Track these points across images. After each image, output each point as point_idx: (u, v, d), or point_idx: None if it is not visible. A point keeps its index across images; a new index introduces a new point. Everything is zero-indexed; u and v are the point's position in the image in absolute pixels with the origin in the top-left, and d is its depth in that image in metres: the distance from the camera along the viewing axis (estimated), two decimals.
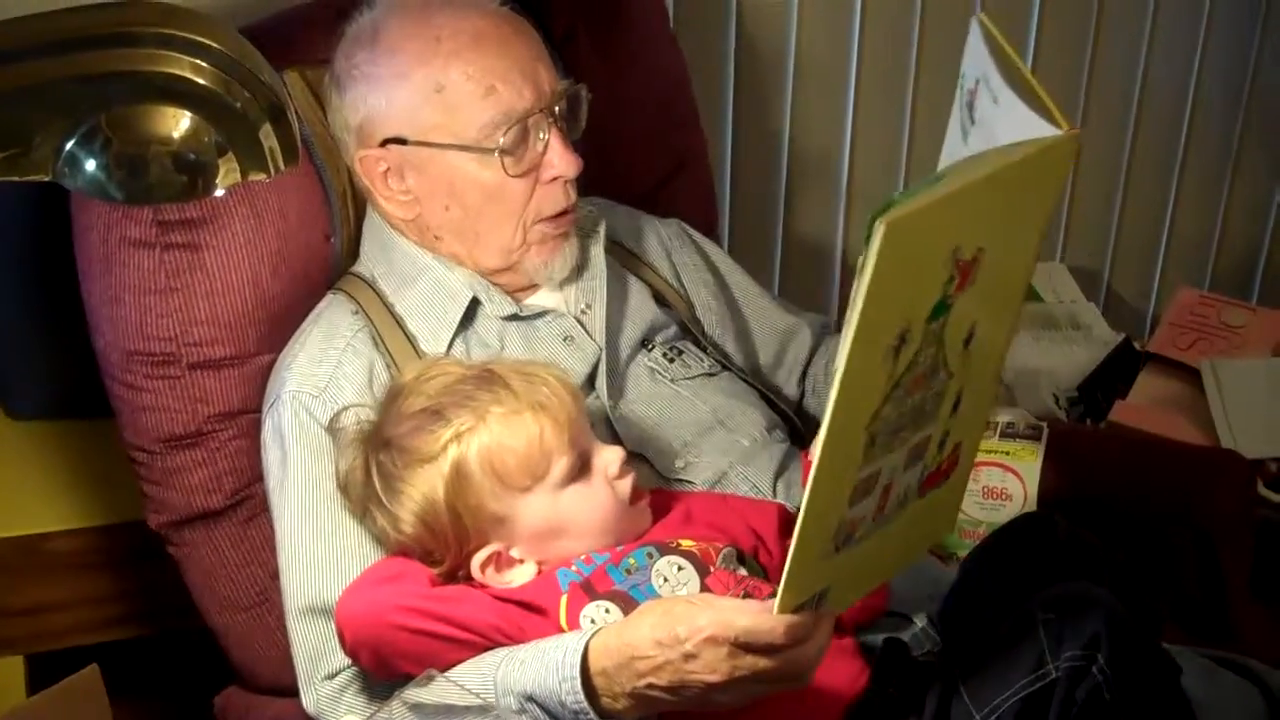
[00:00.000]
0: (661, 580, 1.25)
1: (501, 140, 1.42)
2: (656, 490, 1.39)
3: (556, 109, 1.45)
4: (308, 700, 1.35)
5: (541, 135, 1.44)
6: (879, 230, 0.89)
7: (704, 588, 1.25)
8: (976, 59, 1.11)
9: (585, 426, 1.32)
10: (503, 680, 1.20)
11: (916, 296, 0.97)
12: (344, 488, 1.34)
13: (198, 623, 1.57)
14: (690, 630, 1.12)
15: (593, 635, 1.18)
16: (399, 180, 1.47)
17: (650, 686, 1.15)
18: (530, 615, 1.24)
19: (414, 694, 1.25)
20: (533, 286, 1.53)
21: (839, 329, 1.76)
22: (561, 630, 1.23)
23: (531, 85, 1.43)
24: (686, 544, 1.29)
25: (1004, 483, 1.67)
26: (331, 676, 1.33)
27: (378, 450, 1.30)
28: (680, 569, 1.26)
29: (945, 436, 1.10)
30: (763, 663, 1.11)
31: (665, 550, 1.28)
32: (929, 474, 1.13)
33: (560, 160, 1.45)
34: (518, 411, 1.27)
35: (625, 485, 1.31)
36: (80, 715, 1.35)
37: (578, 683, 1.15)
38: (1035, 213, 1.09)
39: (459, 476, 1.26)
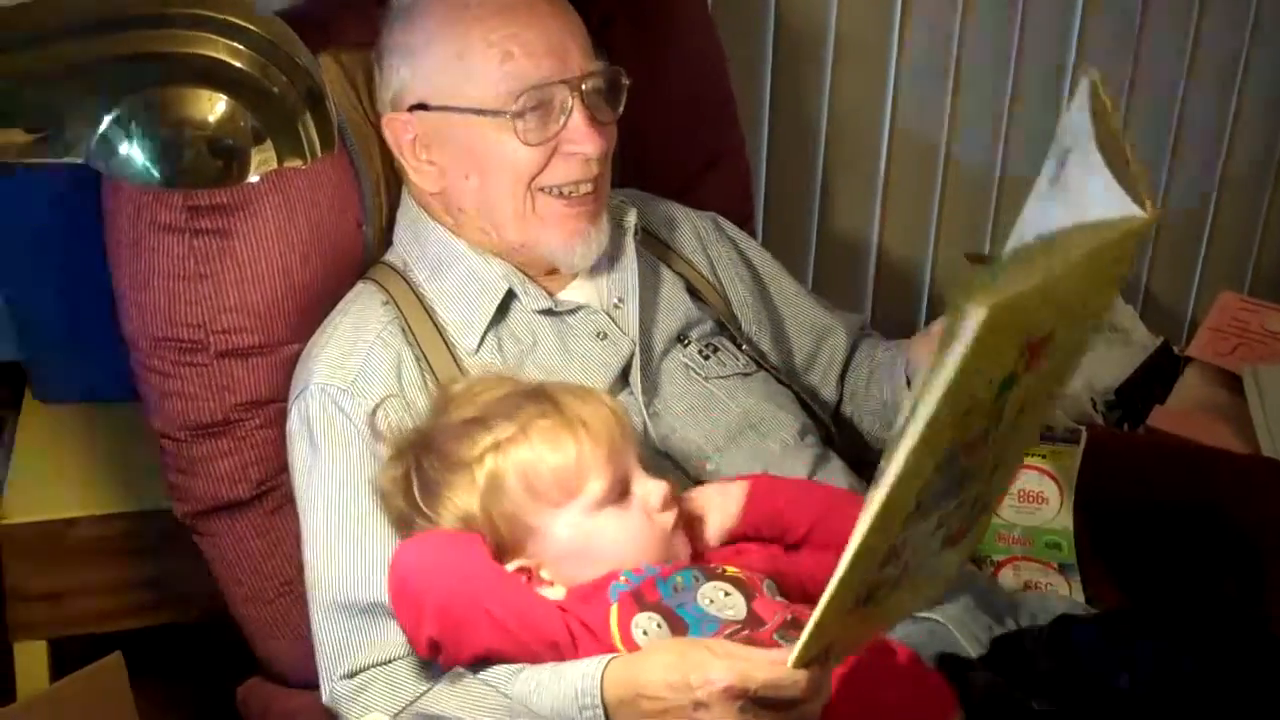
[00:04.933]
0: (708, 602, 1.23)
1: (514, 105, 1.40)
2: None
3: (584, 86, 1.43)
4: (325, 694, 1.33)
5: (565, 109, 1.42)
6: (977, 313, 0.86)
7: (750, 612, 1.23)
8: (1078, 118, 1.08)
9: (630, 455, 1.29)
10: (519, 695, 1.19)
11: (991, 377, 0.96)
12: (384, 495, 1.33)
13: (222, 612, 1.56)
14: (703, 680, 1.10)
15: (609, 663, 1.16)
16: (425, 150, 1.46)
17: None
18: (584, 630, 1.22)
19: (429, 701, 1.24)
20: (563, 276, 1.51)
21: (875, 329, 1.75)
22: (612, 638, 1.21)
23: (555, 57, 1.41)
24: (731, 570, 1.27)
25: (1040, 486, 1.65)
26: (351, 675, 1.32)
27: (420, 456, 1.29)
28: (727, 594, 1.24)
29: (975, 499, 1.09)
30: (776, 718, 1.10)
31: (710, 575, 1.26)
32: (953, 532, 1.11)
33: (580, 136, 1.42)
34: (560, 427, 1.25)
35: (666, 519, 1.28)
36: (103, 702, 1.35)
37: (600, 711, 1.14)
38: (1106, 292, 1.07)
39: (494, 484, 1.25)
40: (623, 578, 1.24)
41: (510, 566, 1.25)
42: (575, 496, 1.25)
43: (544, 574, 1.26)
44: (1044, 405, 1.10)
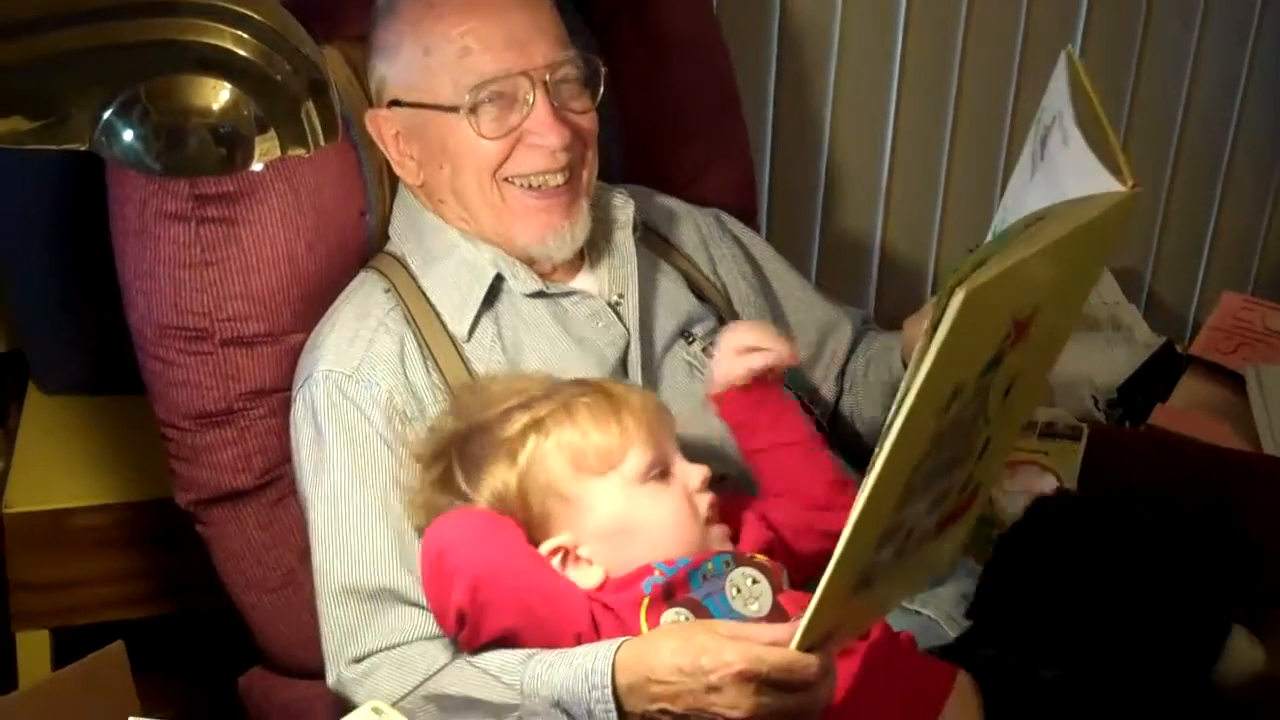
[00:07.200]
0: (735, 591, 1.23)
1: (466, 99, 1.41)
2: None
3: (549, 76, 1.43)
4: (332, 678, 1.34)
5: (528, 101, 1.43)
6: (956, 297, 0.87)
7: (775, 604, 1.23)
8: (1057, 94, 1.08)
9: (670, 439, 1.31)
10: (530, 679, 1.19)
11: (976, 356, 0.96)
12: (422, 503, 1.33)
13: (224, 602, 1.56)
14: (715, 663, 1.11)
15: (620, 645, 1.17)
16: (406, 144, 1.48)
17: (663, 712, 1.14)
18: (609, 615, 1.23)
19: (438, 684, 1.24)
20: (567, 270, 1.51)
21: (878, 324, 1.75)
22: (641, 631, 1.21)
23: (516, 50, 1.42)
24: (759, 557, 1.28)
25: (1042, 482, 1.65)
26: (358, 660, 1.32)
27: (460, 441, 1.30)
28: (755, 582, 1.24)
29: (968, 479, 1.09)
30: (789, 700, 1.11)
31: (741, 560, 1.26)
32: (947, 514, 1.11)
33: (541, 127, 1.43)
34: (603, 405, 1.27)
35: (704, 501, 1.29)
36: (104, 691, 1.34)
37: (609, 691, 1.15)
38: (1090, 269, 1.08)
39: (536, 457, 1.26)
40: (656, 570, 1.24)
41: (549, 544, 1.26)
42: (616, 466, 1.26)
43: (582, 552, 1.26)
44: (1033, 385, 1.10)
